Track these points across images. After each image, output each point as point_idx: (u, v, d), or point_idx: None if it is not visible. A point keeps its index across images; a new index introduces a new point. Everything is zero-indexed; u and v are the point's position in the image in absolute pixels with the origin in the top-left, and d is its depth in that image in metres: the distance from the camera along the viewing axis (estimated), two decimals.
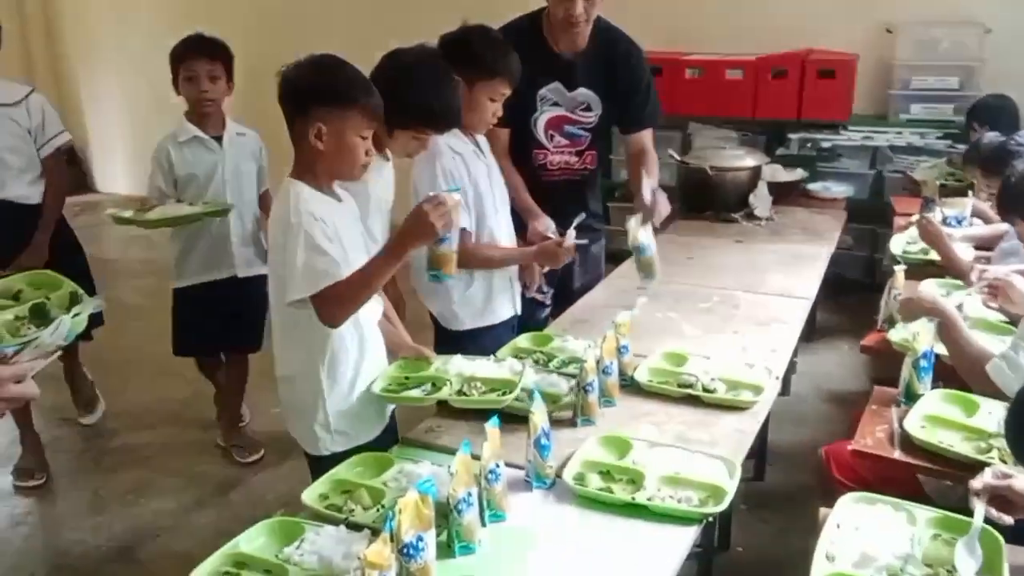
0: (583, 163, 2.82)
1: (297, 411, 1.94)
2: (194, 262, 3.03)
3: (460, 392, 1.93)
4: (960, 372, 1.93)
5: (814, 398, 3.62)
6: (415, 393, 1.93)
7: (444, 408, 1.96)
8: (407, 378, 1.98)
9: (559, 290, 2.85)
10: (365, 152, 1.83)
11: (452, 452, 1.75)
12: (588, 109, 2.76)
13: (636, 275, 2.62)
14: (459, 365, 2.01)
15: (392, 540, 1.26)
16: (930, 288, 2.20)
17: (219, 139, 3.02)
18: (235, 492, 2.97)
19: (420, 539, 1.31)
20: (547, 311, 2.79)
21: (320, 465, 1.85)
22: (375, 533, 1.44)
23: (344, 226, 1.85)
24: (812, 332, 4.05)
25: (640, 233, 2.49)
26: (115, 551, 2.70)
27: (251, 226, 3.09)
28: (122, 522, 2.83)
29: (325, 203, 1.83)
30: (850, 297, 4.35)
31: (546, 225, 2.57)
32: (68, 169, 3.24)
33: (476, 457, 1.52)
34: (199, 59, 2.94)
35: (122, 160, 7.37)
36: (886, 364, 2.37)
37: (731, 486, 1.62)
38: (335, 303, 1.76)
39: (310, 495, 1.60)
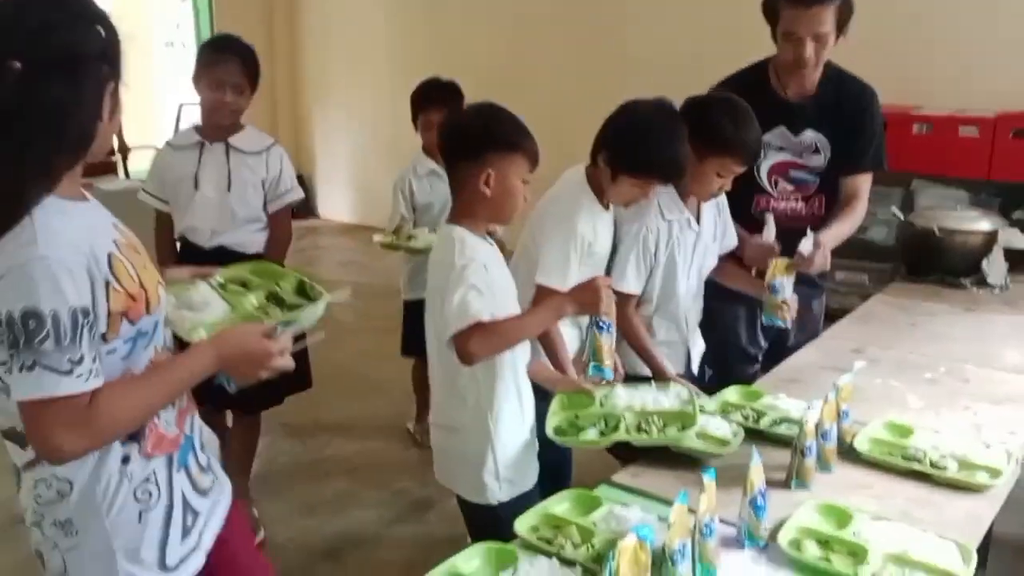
0: (811, 209, 2.72)
1: (461, 460, 1.95)
2: (423, 280, 3.27)
3: (639, 428, 1.92)
4: None
5: None
6: (592, 434, 1.92)
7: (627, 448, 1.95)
8: (576, 416, 1.97)
9: (772, 346, 2.77)
10: (524, 198, 1.89)
11: (657, 499, 1.76)
12: (816, 152, 2.68)
13: (853, 334, 2.51)
14: (625, 397, 1.99)
15: None
16: None
17: None
18: (432, 512, 3.10)
19: None
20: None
21: (482, 514, 1.91)
22: (586, 571, 1.47)
23: (497, 269, 1.91)
24: None
25: (781, 274, 2.38)
26: (323, 553, 2.88)
27: None
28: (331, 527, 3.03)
29: (484, 248, 1.88)
30: None
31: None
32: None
33: (692, 510, 1.51)
34: (432, 108, 3.30)
35: (342, 190, 7.97)
36: None
37: (966, 573, 1.50)
38: (476, 339, 1.77)
39: (523, 525, 1.65)
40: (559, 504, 1.74)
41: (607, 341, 2.01)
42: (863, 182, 2.72)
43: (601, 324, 2.01)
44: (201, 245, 2.86)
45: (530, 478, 2.00)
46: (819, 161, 2.66)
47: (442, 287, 1.81)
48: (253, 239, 2.94)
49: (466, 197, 1.87)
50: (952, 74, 4.72)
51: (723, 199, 2.49)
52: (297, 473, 3.44)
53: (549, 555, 1.54)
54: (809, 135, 2.64)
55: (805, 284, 2.58)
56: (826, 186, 2.71)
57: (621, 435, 1.91)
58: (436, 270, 1.88)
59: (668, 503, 1.54)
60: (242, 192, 2.88)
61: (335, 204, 8.04)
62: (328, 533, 2.98)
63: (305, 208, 8.14)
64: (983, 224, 3.53)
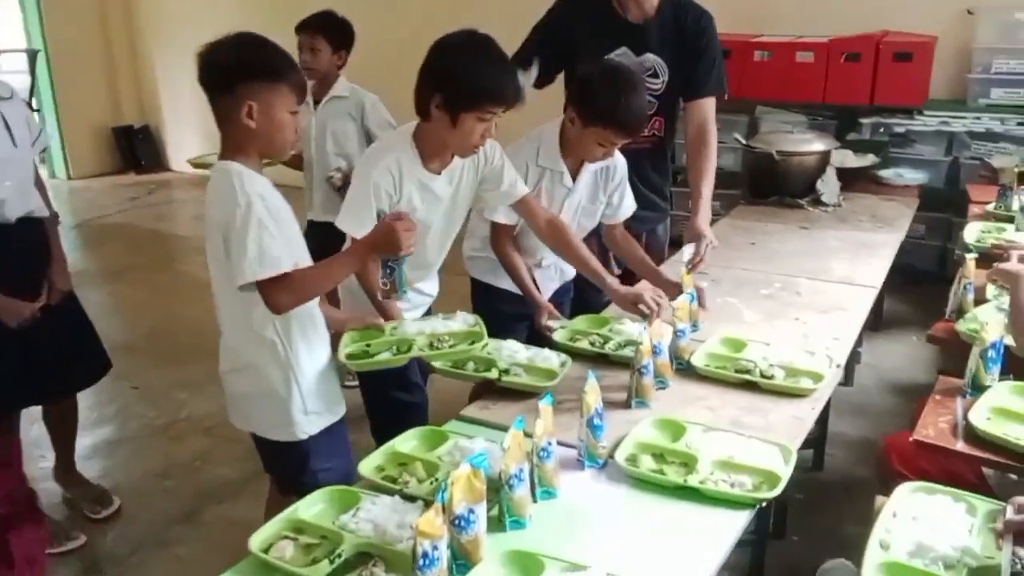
0: (649, 129, 2.74)
1: (264, 400, 1.87)
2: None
3: (431, 347, 1.96)
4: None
5: (878, 390, 3.54)
6: (385, 356, 1.93)
7: (492, 386, 1.99)
8: (368, 345, 1.96)
9: (625, 274, 2.84)
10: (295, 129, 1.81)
11: (505, 429, 1.78)
12: (655, 75, 2.71)
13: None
14: (414, 327, 2.02)
15: (444, 511, 1.29)
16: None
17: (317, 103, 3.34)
18: None
19: (471, 511, 1.34)
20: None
21: (289, 452, 1.88)
22: (428, 504, 1.48)
23: (277, 200, 1.81)
24: (879, 322, 3.96)
25: (687, 286, 2.29)
26: (180, 515, 2.81)
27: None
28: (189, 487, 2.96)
29: (261, 181, 1.79)
30: (920, 288, 4.23)
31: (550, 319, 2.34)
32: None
33: (529, 435, 1.54)
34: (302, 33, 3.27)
35: (194, 140, 7.57)
36: (953, 355, 2.31)
37: (786, 472, 1.61)
38: (286, 291, 1.74)
39: (367, 466, 1.64)
40: (406, 443, 1.74)
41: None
42: (708, 108, 2.77)
43: (392, 264, 1.95)
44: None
45: (337, 408, 1.96)
46: (657, 84, 2.70)
47: (223, 224, 1.71)
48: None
49: (232, 132, 1.75)
50: (790, 2, 4.89)
51: (620, 170, 2.48)
52: (152, 436, 3.31)
53: (392, 493, 1.54)
54: (650, 57, 2.67)
55: (649, 209, 2.64)
56: (664, 110, 2.76)
57: (414, 352, 1.93)
58: (216, 208, 1.74)
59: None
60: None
61: (187, 155, 7.64)
62: (184, 494, 2.90)
63: (155, 161, 7.73)
64: (817, 146, 3.72)
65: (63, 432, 2.84)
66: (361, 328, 2.01)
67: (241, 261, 1.70)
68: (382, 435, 1.97)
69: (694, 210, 2.66)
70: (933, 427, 1.68)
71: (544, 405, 1.56)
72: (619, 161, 2.47)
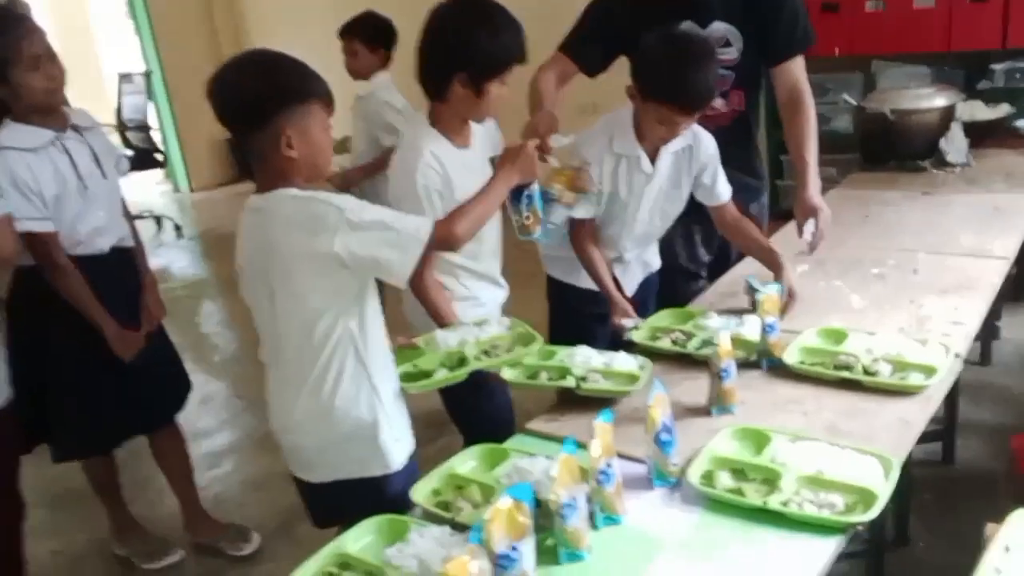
0: (730, 105, 2.51)
1: (347, 439, 1.70)
2: None
3: (486, 354, 1.85)
4: None
5: (1021, 368, 3.16)
6: (442, 374, 1.81)
7: (562, 396, 1.86)
8: (415, 366, 1.83)
9: (717, 259, 2.64)
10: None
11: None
12: (727, 45, 2.45)
13: (797, 240, 2.37)
14: (451, 338, 1.88)
15: (483, 549, 1.18)
16: None
17: None
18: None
19: (514, 549, 1.22)
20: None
21: (374, 489, 1.73)
22: None
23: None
24: (1021, 292, 3.56)
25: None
26: (276, 528, 2.83)
27: None
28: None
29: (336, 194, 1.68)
30: None
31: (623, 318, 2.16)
32: None
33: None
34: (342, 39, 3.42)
35: None
36: None
37: (885, 489, 1.40)
38: (458, 222, 1.71)
39: (421, 491, 1.56)
40: (464, 463, 1.64)
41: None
42: (797, 69, 2.50)
43: (530, 194, 1.96)
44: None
45: (411, 433, 1.84)
46: (732, 54, 2.45)
47: (321, 244, 1.55)
48: None
49: (272, 165, 1.59)
50: None
51: (707, 148, 2.26)
52: (253, 448, 3.35)
53: (443, 522, 1.45)
54: (718, 27, 2.42)
55: (738, 191, 2.41)
56: (744, 80, 2.50)
57: (473, 364, 1.81)
58: (301, 232, 1.57)
59: (585, 447, 1.44)
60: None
61: None
62: (279, 508, 2.88)
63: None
64: (938, 100, 3.34)
65: (174, 464, 2.76)
66: (400, 349, 1.87)
67: (399, 242, 1.59)
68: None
69: (801, 182, 2.41)
70: None
71: (600, 424, 1.42)
72: (704, 139, 2.26)
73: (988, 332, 3.26)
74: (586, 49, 2.46)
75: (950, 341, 1.90)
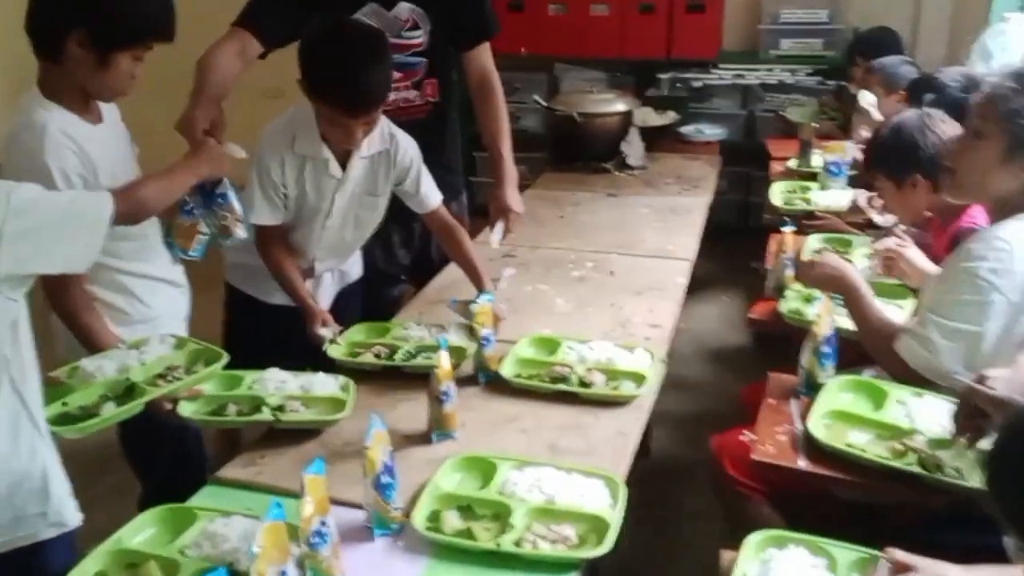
0: (424, 96, 2.35)
1: (8, 495, 1.33)
2: None
3: (163, 379, 1.60)
4: (866, 347, 1.71)
5: (696, 358, 3.44)
6: (110, 408, 1.51)
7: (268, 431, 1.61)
8: (64, 404, 1.51)
9: (417, 261, 2.50)
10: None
11: (276, 492, 1.42)
12: (415, 27, 2.29)
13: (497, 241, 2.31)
14: (107, 366, 1.60)
15: None
16: (834, 256, 1.92)
17: None
18: None
19: None
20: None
21: (47, 560, 1.39)
22: None
23: None
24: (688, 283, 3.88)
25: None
26: None
27: None
28: None
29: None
30: (725, 243, 4.18)
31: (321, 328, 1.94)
32: None
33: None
34: None
35: None
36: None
37: (615, 516, 1.35)
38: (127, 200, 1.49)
39: None
40: (137, 532, 1.33)
41: (185, 220, 1.78)
42: (486, 55, 2.40)
43: (223, 192, 1.78)
44: None
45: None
46: (420, 37, 2.29)
47: None
48: None
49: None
50: None
51: (407, 152, 2.06)
52: None
53: None
54: (404, 7, 2.24)
55: (440, 187, 2.27)
56: (436, 69, 2.34)
57: (150, 393, 1.54)
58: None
59: (291, 495, 1.24)
60: None
61: None
62: None
63: None
64: (618, 105, 3.52)
65: None
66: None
67: (81, 230, 1.37)
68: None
69: (497, 178, 2.34)
70: (771, 441, 1.48)
71: (312, 477, 1.20)
72: (402, 142, 2.07)
73: None
74: (266, 19, 2.12)
75: (652, 345, 1.93)
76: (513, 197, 2.32)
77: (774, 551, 1.18)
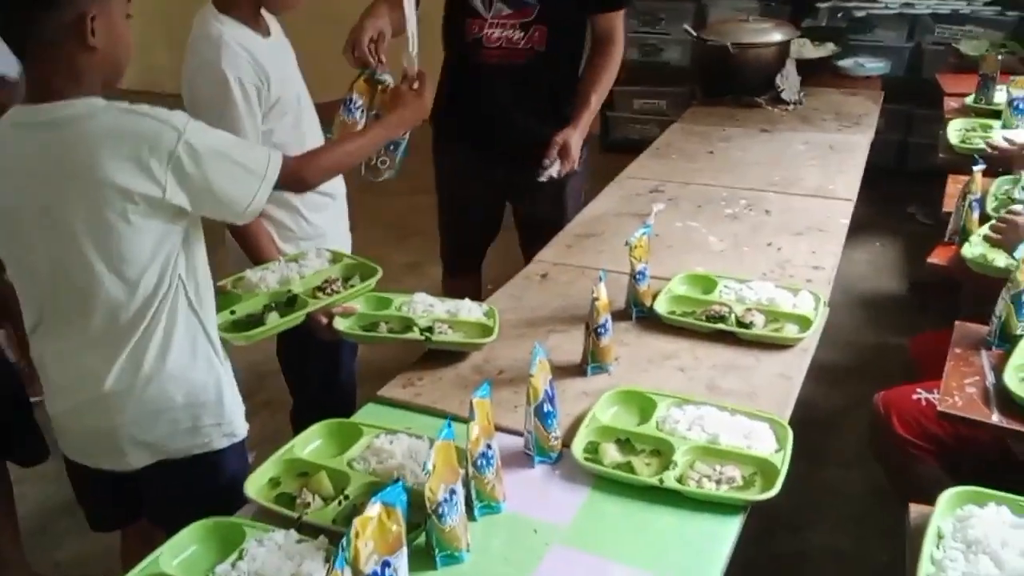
0: (528, 41, 2.16)
1: (185, 406, 1.38)
2: None
3: (322, 292, 1.63)
4: None
5: (847, 304, 3.25)
6: (273, 318, 1.56)
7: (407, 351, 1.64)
8: (232, 312, 1.57)
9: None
10: None
11: (438, 415, 1.44)
12: None
13: (652, 171, 2.23)
14: (269, 278, 1.66)
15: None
16: None
17: None
18: None
19: (387, 565, 0.99)
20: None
21: (222, 466, 1.44)
22: (334, 537, 1.13)
23: None
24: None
25: None
26: None
27: None
28: None
29: None
30: (878, 187, 3.93)
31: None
32: None
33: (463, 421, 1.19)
34: None
35: None
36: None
37: (783, 459, 1.30)
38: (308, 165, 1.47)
39: (255, 484, 1.28)
40: (307, 444, 1.38)
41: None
42: (616, 20, 2.28)
43: (398, 141, 1.80)
44: None
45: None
46: None
47: (143, 171, 1.23)
48: None
49: (67, 65, 1.23)
50: None
51: None
52: None
53: (287, 525, 1.19)
54: None
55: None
56: (546, 17, 2.16)
57: (311, 304, 1.58)
58: (117, 158, 1.22)
59: (447, 417, 1.25)
60: None
61: None
62: None
63: None
64: (775, 36, 3.32)
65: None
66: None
67: (243, 178, 1.34)
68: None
69: (575, 117, 2.21)
70: (959, 393, 1.38)
71: (480, 400, 1.20)
72: None
73: None
74: None
75: (814, 288, 1.84)
76: (576, 144, 2.19)
77: (973, 508, 1.10)
